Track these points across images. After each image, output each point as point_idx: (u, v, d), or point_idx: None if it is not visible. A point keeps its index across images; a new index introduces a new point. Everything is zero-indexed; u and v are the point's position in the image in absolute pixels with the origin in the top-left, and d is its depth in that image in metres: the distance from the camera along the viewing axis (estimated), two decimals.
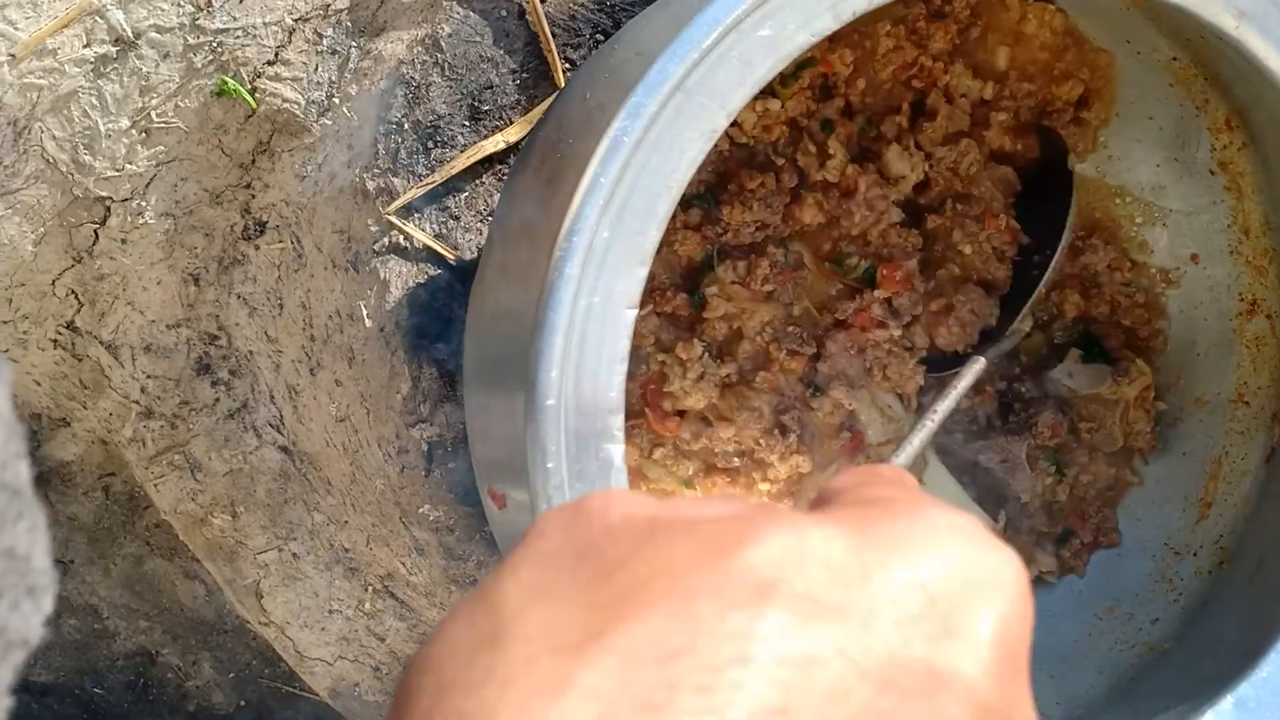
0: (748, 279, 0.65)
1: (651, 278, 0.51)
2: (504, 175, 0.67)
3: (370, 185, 0.67)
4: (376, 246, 0.67)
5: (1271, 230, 0.68)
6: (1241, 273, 0.69)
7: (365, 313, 0.69)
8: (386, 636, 0.83)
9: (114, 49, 0.70)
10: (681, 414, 0.65)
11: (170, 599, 0.92)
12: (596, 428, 0.46)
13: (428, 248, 0.67)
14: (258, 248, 0.74)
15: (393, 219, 0.66)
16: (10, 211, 0.73)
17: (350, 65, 0.70)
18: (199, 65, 0.71)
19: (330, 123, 0.70)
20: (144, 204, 0.74)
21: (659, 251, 0.47)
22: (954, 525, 0.25)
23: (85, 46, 0.70)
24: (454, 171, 0.66)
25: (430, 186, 0.66)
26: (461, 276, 0.67)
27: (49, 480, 0.87)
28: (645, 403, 0.65)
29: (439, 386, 0.68)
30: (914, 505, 0.26)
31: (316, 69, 0.71)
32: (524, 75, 0.67)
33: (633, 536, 0.24)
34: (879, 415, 0.68)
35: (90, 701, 0.95)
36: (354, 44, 0.70)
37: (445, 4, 0.67)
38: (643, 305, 0.59)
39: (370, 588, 0.81)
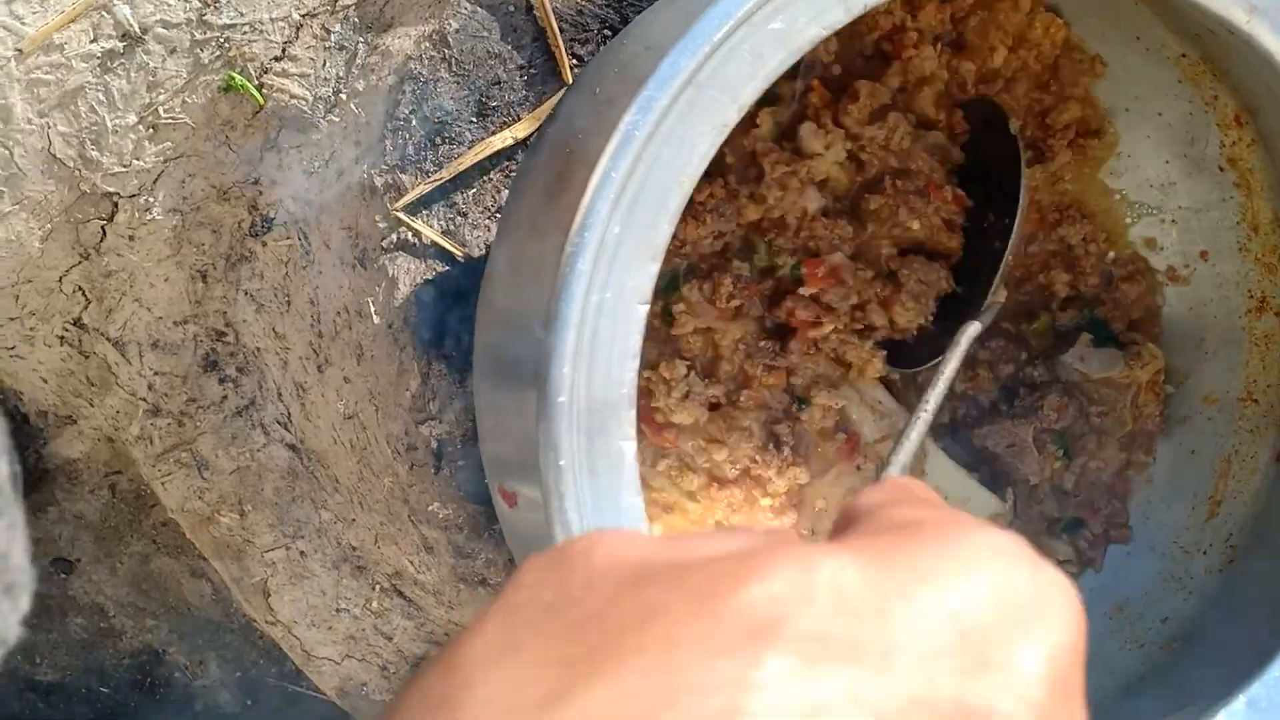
0: (713, 297, 0.64)
1: None
2: (512, 171, 0.67)
3: (378, 182, 0.67)
4: (384, 243, 0.67)
5: None
6: (1251, 270, 0.69)
7: (373, 309, 0.69)
8: (394, 635, 0.82)
9: (121, 44, 0.70)
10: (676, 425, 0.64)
11: (177, 597, 0.92)
12: (608, 424, 0.46)
13: (436, 244, 0.67)
14: (265, 244, 0.74)
15: (400, 215, 0.66)
16: (17, 207, 0.73)
17: (358, 61, 0.70)
18: (206, 61, 0.71)
19: (338, 119, 0.70)
20: (151, 200, 0.74)
21: None
22: (994, 546, 0.22)
23: (92, 42, 0.70)
24: (462, 168, 0.66)
25: (438, 183, 0.66)
26: (470, 273, 0.67)
27: (55, 478, 0.87)
28: (640, 415, 0.64)
29: (448, 383, 0.67)
30: (947, 525, 0.23)
31: (324, 65, 0.71)
32: (532, 71, 0.67)
33: (614, 584, 0.22)
34: (870, 412, 0.68)
35: (97, 700, 0.94)
36: (361, 40, 0.70)
37: None
38: None
39: (378, 586, 0.81)
